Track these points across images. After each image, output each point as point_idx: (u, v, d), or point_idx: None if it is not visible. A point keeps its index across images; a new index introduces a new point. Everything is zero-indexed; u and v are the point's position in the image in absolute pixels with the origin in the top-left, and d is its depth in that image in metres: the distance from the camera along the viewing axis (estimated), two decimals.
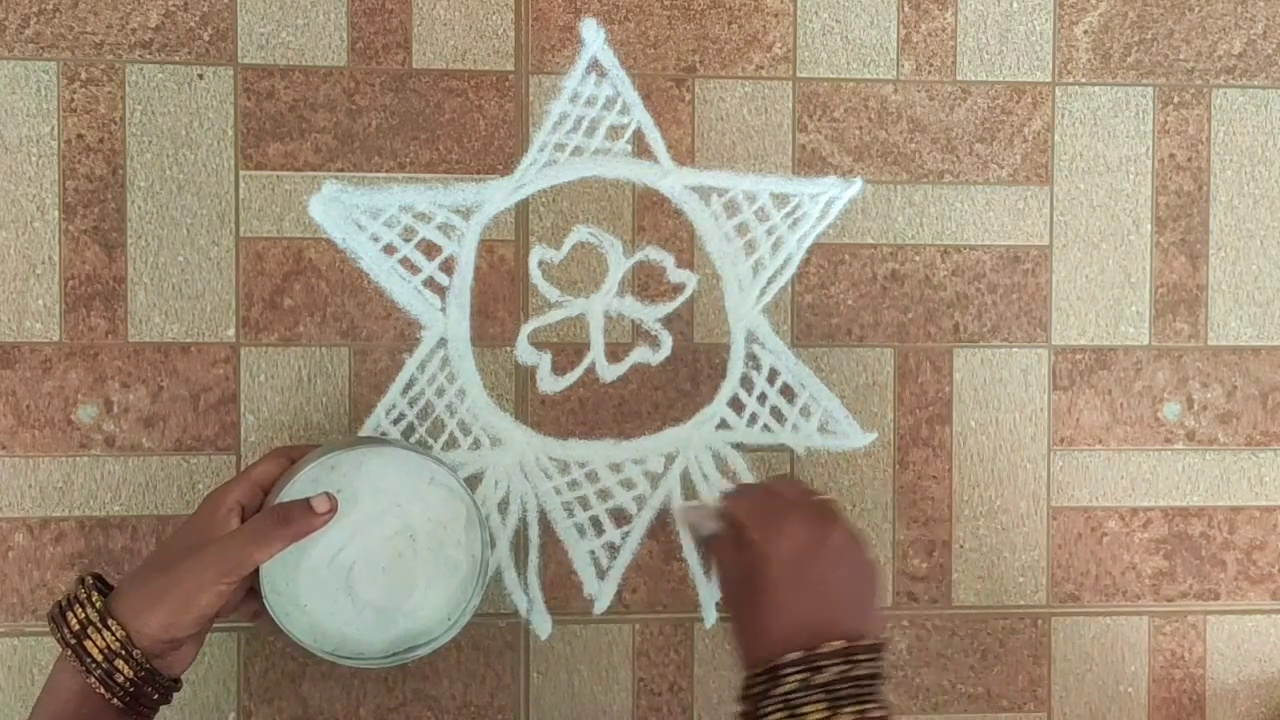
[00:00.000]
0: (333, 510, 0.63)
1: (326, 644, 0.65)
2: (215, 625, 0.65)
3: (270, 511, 0.63)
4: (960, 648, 0.79)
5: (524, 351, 0.76)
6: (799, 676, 0.55)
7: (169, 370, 0.74)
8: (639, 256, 0.77)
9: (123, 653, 0.59)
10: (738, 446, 0.78)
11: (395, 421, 0.75)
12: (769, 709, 0.55)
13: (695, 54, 0.77)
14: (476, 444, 0.76)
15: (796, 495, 0.62)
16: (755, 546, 0.59)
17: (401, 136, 0.75)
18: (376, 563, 0.65)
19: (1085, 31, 0.79)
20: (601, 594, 0.77)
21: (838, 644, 0.55)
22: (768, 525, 0.59)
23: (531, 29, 0.77)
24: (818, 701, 0.54)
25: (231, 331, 0.75)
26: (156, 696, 0.61)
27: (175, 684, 0.63)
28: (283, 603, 0.64)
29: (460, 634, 0.66)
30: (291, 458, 0.66)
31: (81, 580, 0.62)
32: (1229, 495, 0.81)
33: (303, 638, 0.64)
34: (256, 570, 0.62)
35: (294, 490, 0.63)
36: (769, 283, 0.78)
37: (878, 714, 0.55)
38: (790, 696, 0.54)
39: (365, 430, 0.75)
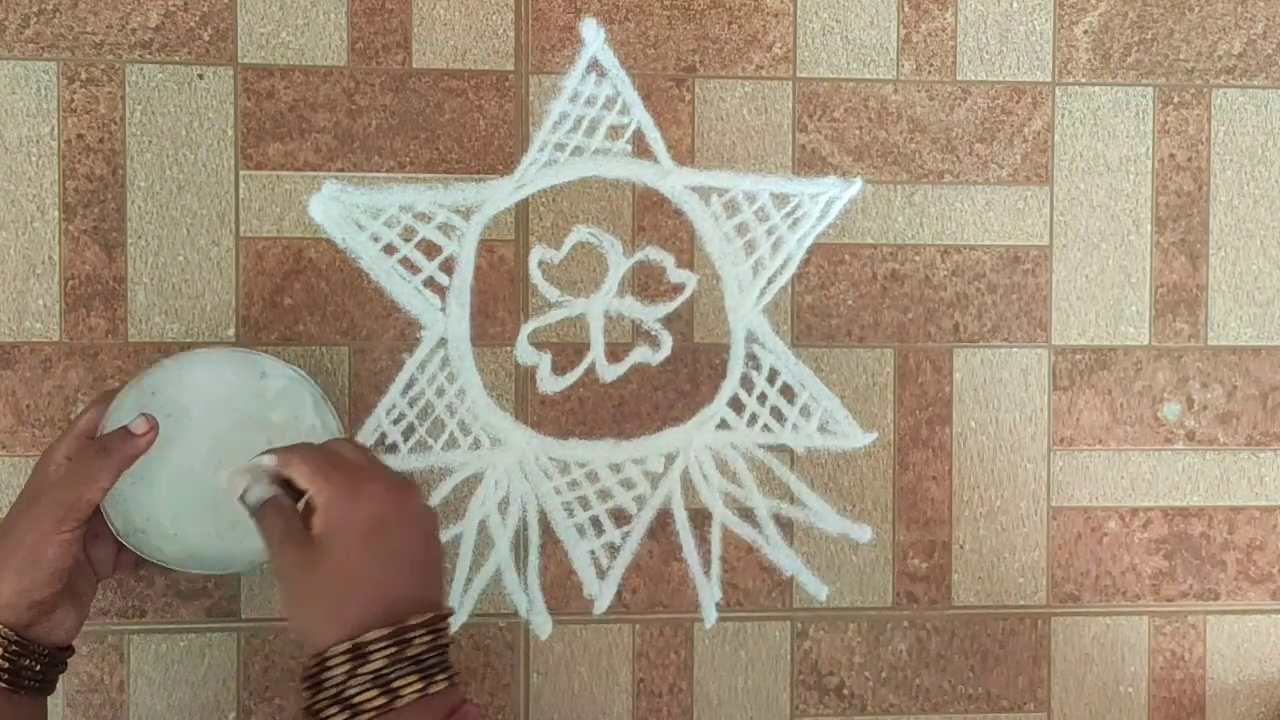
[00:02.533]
0: (153, 430, 0.62)
1: (210, 563, 0.65)
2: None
3: (88, 446, 0.62)
4: (960, 648, 0.79)
5: (524, 351, 0.76)
6: (387, 652, 0.52)
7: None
8: (639, 256, 0.77)
9: None
10: (737, 446, 0.78)
11: (395, 421, 0.75)
12: (358, 690, 0.52)
13: (695, 54, 0.77)
14: (476, 444, 0.76)
15: (365, 460, 0.58)
16: (328, 512, 0.55)
17: (401, 136, 0.75)
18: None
19: (1085, 31, 0.79)
20: (601, 594, 0.77)
21: (427, 614, 0.54)
22: (341, 489, 0.55)
23: (531, 29, 0.77)
24: (410, 675, 0.53)
25: (231, 331, 0.75)
26: (39, 668, 0.60)
27: (63, 652, 0.62)
28: (149, 539, 0.64)
29: None
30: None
31: None
32: (1229, 495, 0.81)
33: (184, 565, 0.64)
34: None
35: (114, 421, 0.63)
36: (769, 283, 0.78)
37: (457, 679, 0.55)
38: (381, 673, 0.52)
39: (365, 432, 0.75)
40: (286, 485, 0.57)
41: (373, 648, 0.52)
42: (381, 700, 0.52)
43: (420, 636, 0.54)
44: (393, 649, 0.53)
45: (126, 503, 0.64)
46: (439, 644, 0.54)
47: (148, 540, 0.64)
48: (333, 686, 0.52)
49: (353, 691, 0.52)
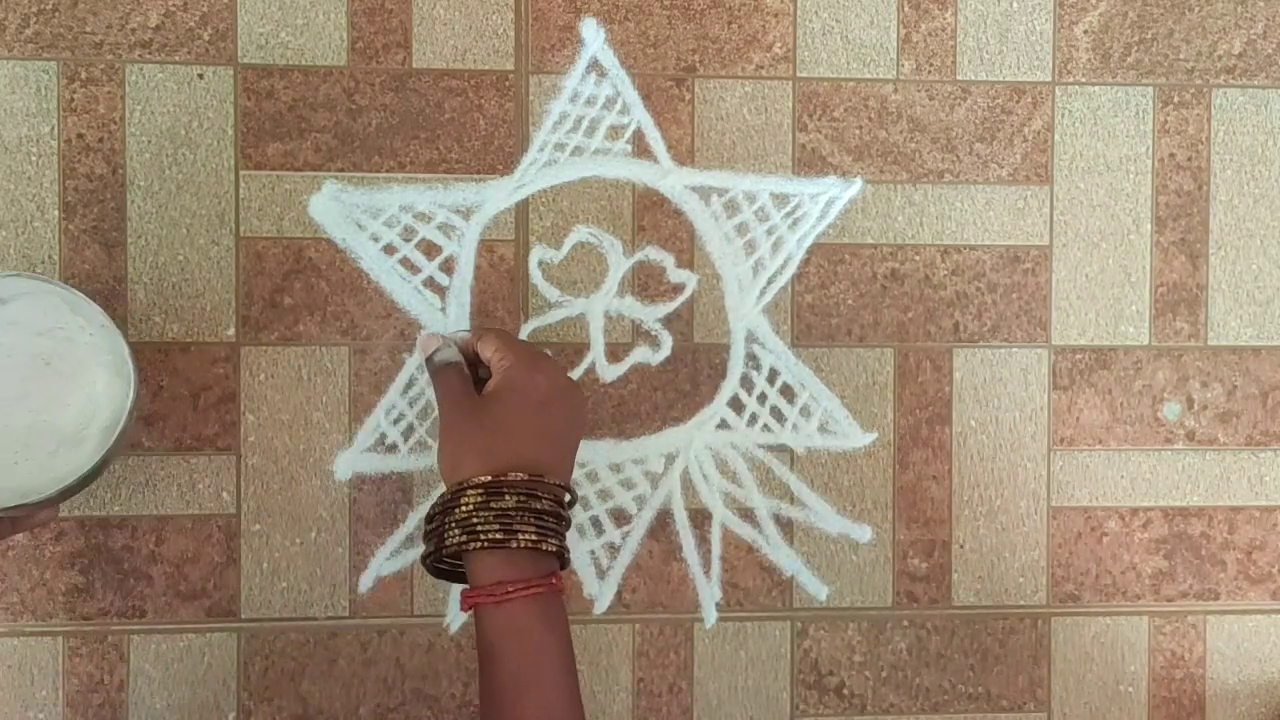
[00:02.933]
0: None
1: (44, 491, 0.62)
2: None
3: None
4: (960, 648, 0.79)
5: None
6: (518, 497, 0.57)
7: (169, 369, 0.74)
8: (639, 256, 0.77)
9: None
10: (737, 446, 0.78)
11: (395, 421, 0.75)
12: (481, 521, 0.57)
13: (695, 54, 0.77)
14: None
15: (544, 352, 0.67)
16: (508, 374, 0.62)
17: (401, 136, 0.75)
18: (16, 408, 0.63)
19: (1085, 31, 0.80)
20: (601, 594, 0.77)
21: (559, 481, 0.60)
22: (524, 360, 0.63)
23: (531, 29, 0.77)
24: (529, 524, 0.57)
25: (231, 331, 0.75)
26: None
27: None
28: None
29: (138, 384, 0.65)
30: None
31: None
32: (1229, 495, 0.81)
33: (19, 503, 0.62)
34: None
35: None
36: (769, 283, 0.78)
37: (568, 556, 0.59)
38: (507, 512, 0.57)
39: (365, 432, 0.75)
40: (471, 365, 0.66)
41: (507, 489, 0.58)
42: (500, 535, 0.57)
43: (548, 497, 0.59)
44: (523, 496, 0.58)
45: None
46: (561, 513, 0.59)
47: None
48: (463, 512, 0.57)
49: (478, 520, 0.57)
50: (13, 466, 0.64)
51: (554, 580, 0.58)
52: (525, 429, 0.61)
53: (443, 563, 0.60)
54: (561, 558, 0.59)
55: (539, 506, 0.58)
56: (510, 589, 0.56)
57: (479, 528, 0.57)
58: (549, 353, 0.74)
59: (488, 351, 0.64)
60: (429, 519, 0.60)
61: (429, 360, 0.66)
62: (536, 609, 0.57)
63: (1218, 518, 0.81)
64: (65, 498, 0.64)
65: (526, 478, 0.58)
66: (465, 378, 0.65)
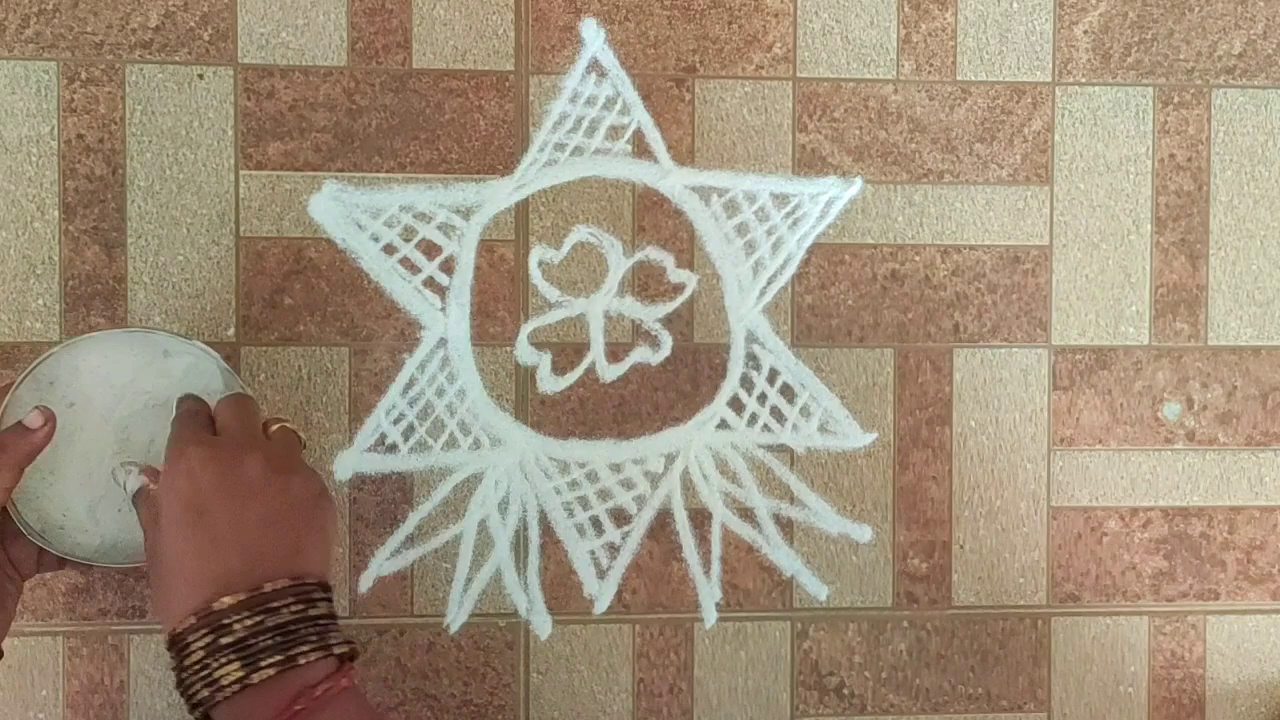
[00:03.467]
0: (49, 423, 0.60)
1: (133, 554, 0.63)
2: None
3: None
4: (960, 648, 0.79)
5: (524, 351, 0.76)
6: (204, 642, 0.49)
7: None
8: (639, 256, 0.77)
9: None
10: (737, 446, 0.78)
11: (395, 421, 0.75)
12: (190, 680, 0.50)
13: (695, 54, 0.77)
14: (476, 444, 0.76)
15: (209, 425, 0.56)
16: (155, 492, 0.53)
17: (401, 136, 0.75)
18: (145, 454, 0.63)
19: (1085, 31, 0.80)
20: (601, 594, 0.77)
21: (238, 595, 0.49)
22: (168, 462, 0.53)
23: (531, 29, 0.77)
24: (230, 663, 0.49)
25: (231, 331, 0.75)
26: None
27: None
28: (67, 534, 0.63)
29: None
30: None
31: None
32: (1229, 495, 0.81)
33: (108, 558, 0.63)
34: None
35: (10, 417, 0.61)
36: (769, 283, 0.78)
37: (310, 658, 0.50)
38: (205, 663, 0.49)
39: (365, 433, 0.75)
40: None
41: (188, 639, 0.50)
42: (205, 692, 0.49)
43: (236, 619, 0.49)
44: (207, 638, 0.49)
45: (39, 499, 0.62)
46: (266, 626, 0.50)
47: (66, 535, 0.63)
48: (179, 682, 0.50)
49: (186, 681, 0.50)
50: (116, 514, 0.64)
51: (299, 709, 0.49)
52: (179, 560, 0.51)
53: None
54: (313, 660, 0.50)
55: (226, 641, 0.49)
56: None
57: (190, 689, 0.50)
58: (247, 406, 0.61)
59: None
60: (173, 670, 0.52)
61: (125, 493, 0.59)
62: None
63: (1218, 518, 0.81)
64: (137, 568, 0.64)
65: (196, 620, 0.50)
66: (150, 505, 0.56)
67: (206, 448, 0.53)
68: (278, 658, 0.49)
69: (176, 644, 0.50)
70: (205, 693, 0.49)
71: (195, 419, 0.57)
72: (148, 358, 0.65)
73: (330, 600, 0.53)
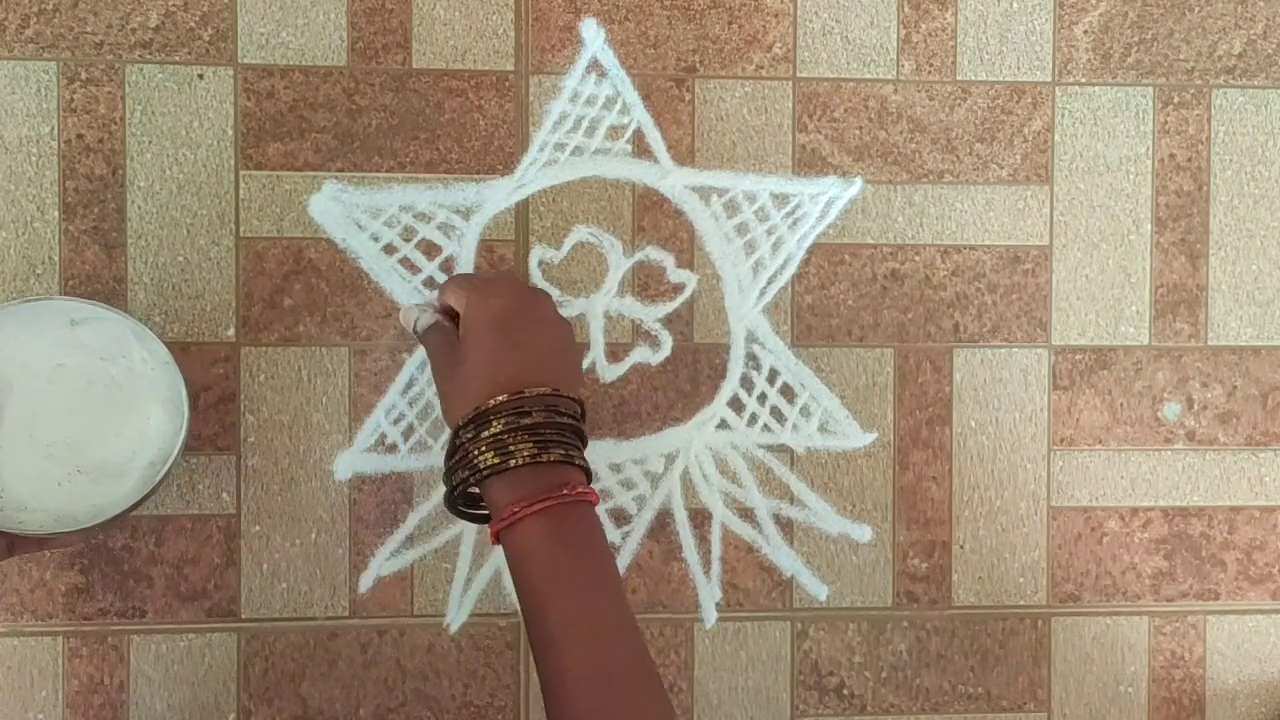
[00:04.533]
0: None
1: (80, 520, 0.63)
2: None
3: None
4: (960, 648, 0.79)
5: None
6: (504, 420, 0.56)
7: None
8: (639, 256, 0.77)
9: None
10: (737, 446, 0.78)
11: (395, 421, 0.75)
12: (478, 453, 0.56)
13: (695, 54, 0.77)
14: None
15: (500, 272, 0.69)
16: (466, 311, 0.61)
17: (401, 136, 0.75)
18: (69, 426, 0.64)
19: (1085, 31, 0.80)
20: None
21: (544, 389, 0.57)
22: (478, 291, 0.61)
23: (531, 29, 0.77)
24: (524, 441, 0.56)
25: (231, 331, 0.75)
26: None
27: None
28: (7, 515, 0.63)
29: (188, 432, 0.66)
30: None
31: None
32: (1229, 495, 0.81)
33: (56, 529, 0.63)
34: None
35: None
36: (769, 283, 0.78)
37: (581, 462, 0.58)
38: (499, 437, 0.56)
39: (365, 432, 0.75)
40: (450, 315, 0.64)
41: (492, 416, 0.56)
42: (495, 460, 0.56)
43: (536, 409, 0.57)
44: (509, 417, 0.56)
45: None
46: (557, 421, 0.57)
47: (7, 516, 0.63)
48: (460, 451, 0.57)
49: (474, 452, 0.56)
50: (55, 488, 0.64)
51: (565, 492, 0.56)
52: (494, 357, 0.59)
53: (461, 509, 0.60)
54: (578, 467, 0.58)
55: (528, 422, 0.57)
56: (516, 509, 0.55)
57: (475, 459, 0.56)
58: (519, 275, 0.74)
59: (450, 300, 0.64)
60: (445, 463, 0.60)
61: (415, 332, 0.66)
62: (545, 525, 0.55)
63: (1218, 518, 0.81)
64: (99, 530, 0.64)
65: (507, 398, 0.57)
66: (446, 333, 0.64)
67: (513, 281, 0.64)
68: (562, 450, 0.57)
69: (479, 419, 0.57)
70: (495, 460, 0.56)
71: (496, 271, 0.69)
72: (56, 330, 0.65)
73: (573, 411, 0.59)
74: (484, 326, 0.59)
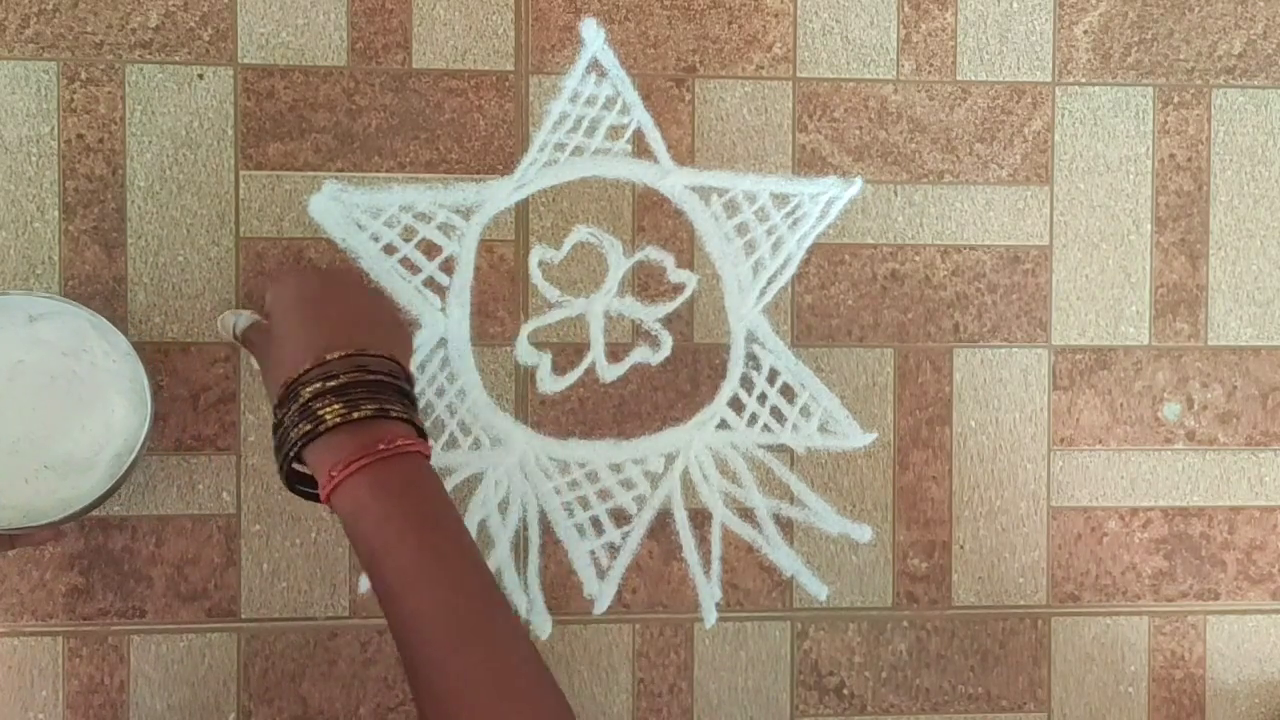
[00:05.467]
0: None
1: (49, 513, 0.63)
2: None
3: None
4: (960, 648, 0.79)
5: (524, 351, 0.76)
6: (311, 387, 0.56)
7: (169, 369, 0.74)
8: (639, 256, 0.77)
9: None
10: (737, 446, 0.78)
11: None
12: (292, 425, 0.56)
13: (695, 54, 0.77)
14: (476, 444, 0.76)
15: (303, 262, 0.67)
16: (268, 301, 0.62)
17: (401, 136, 0.75)
18: (32, 422, 0.64)
19: (1085, 31, 0.80)
20: (601, 594, 0.77)
21: (346, 350, 0.57)
22: (275, 280, 0.63)
23: (531, 29, 0.77)
24: (332, 403, 0.55)
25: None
26: None
27: None
28: None
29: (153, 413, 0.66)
30: None
31: None
32: (1229, 495, 0.81)
33: (22, 524, 0.63)
34: None
35: None
36: (769, 283, 0.78)
37: (401, 414, 0.56)
38: (308, 405, 0.55)
39: None
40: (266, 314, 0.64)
41: (299, 387, 0.56)
42: (308, 427, 0.55)
43: (343, 370, 0.56)
44: (316, 384, 0.56)
45: None
46: (366, 380, 0.56)
47: None
48: (279, 430, 0.57)
49: (288, 424, 0.56)
50: (22, 484, 0.64)
51: (382, 448, 0.55)
52: (298, 335, 0.59)
53: (300, 489, 0.59)
54: (399, 420, 0.56)
55: (334, 384, 0.56)
56: (335, 472, 0.54)
57: (290, 433, 0.56)
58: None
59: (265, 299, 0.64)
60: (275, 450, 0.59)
61: (235, 337, 0.67)
62: (368, 482, 0.54)
63: (1218, 518, 0.81)
64: (68, 522, 0.64)
65: (310, 365, 0.56)
66: (260, 329, 0.64)
67: (311, 266, 0.64)
68: (373, 406, 0.56)
69: (289, 392, 0.57)
70: (308, 427, 0.55)
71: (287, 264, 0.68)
72: (14, 328, 0.65)
73: (413, 389, 0.59)
74: (284, 309, 0.60)
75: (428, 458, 0.57)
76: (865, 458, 0.78)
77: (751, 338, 0.78)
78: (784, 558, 0.78)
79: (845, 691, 0.79)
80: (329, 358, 0.57)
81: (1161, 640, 0.80)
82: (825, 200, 0.78)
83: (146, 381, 0.65)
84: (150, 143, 0.74)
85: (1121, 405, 0.80)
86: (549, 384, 0.77)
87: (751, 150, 0.78)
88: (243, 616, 0.75)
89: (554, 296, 0.77)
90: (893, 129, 0.78)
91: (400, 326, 0.63)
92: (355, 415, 0.55)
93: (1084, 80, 0.80)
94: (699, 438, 0.77)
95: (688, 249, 0.78)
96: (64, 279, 0.73)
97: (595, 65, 0.77)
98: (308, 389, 0.56)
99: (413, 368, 0.75)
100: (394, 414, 0.56)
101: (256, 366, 0.68)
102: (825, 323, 0.78)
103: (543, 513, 0.76)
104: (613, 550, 0.77)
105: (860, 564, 0.78)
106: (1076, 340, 0.79)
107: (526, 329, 0.76)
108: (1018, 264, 0.79)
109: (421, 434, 0.58)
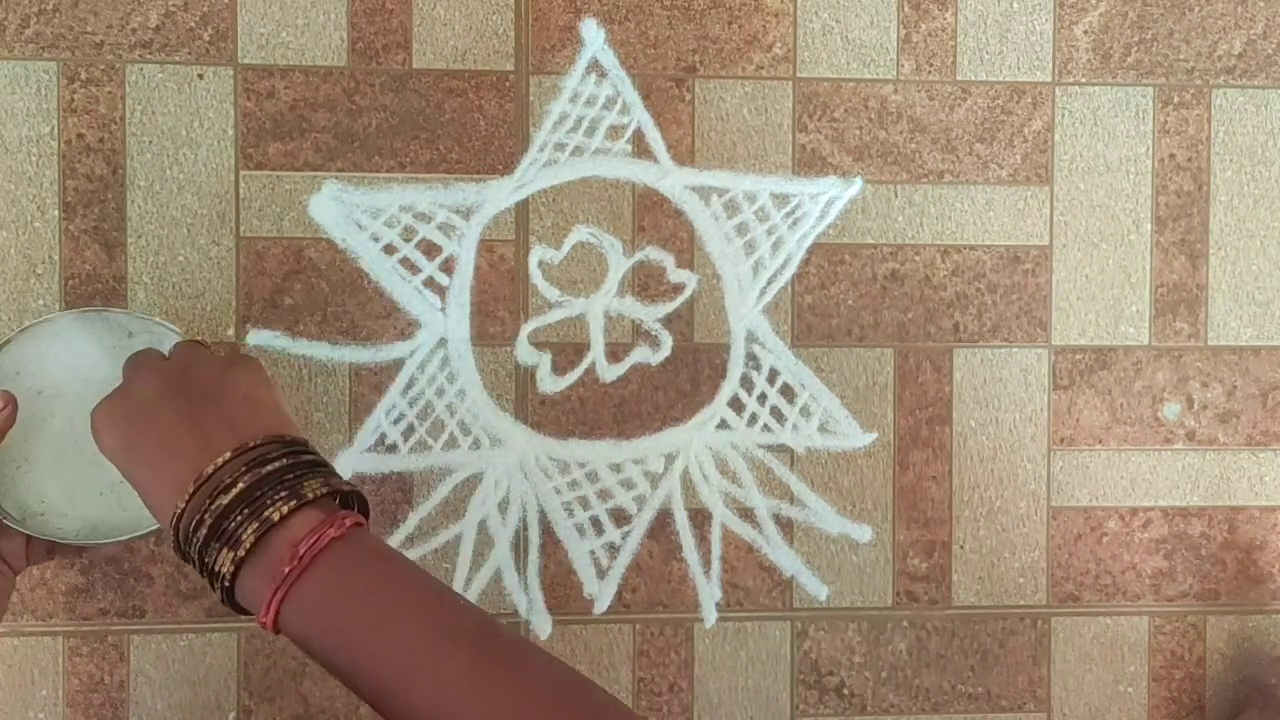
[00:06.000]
0: (10, 404, 0.61)
1: (117, 530, 0.64)
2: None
3: None
4: (960, 648, 0.79)
5: (524, 351, 0.76)
6: (183, 545, 0.47)
7: None
8: (639, 256, 0.77)
9: None
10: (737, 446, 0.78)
11: (395, 421, 0.75)
12: (213, 557, 0.47)
13: (695, 54, 0.77)
14: (476, 444, 0.76)
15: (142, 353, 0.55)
16: (103, 446, 0.52)
17: (401, 136, 0.75)
18: None
19: (1085, 31, 0.79)
20: (601, 594, 0.77)
21: (189, 490, 0.47)
22: (103, 414, 0.53)
23: (531, 29, 0.77)
24: (220, 550, 0.46)
25: (231, 331, 0.75)
26: None
27: None
28: (49, 520, 0.63)
29: None
30: None
31: None
32: (1229, 495, 0.80)
33: (93, 538, 0.63)
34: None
35: None
36: (769, 283, 0.78)
37: (315, 492, 0.47)
38: (202, 560, 0.47)
39: (365, 432, 0.75)
40: None
41: (198, 511, 0.47)
42: (230, 554, 0.46)
43: (235, 477, 0.47)
44: (216, 500, 0.47)
45: (17, 489, 0.64)
46: (264, 473, 0.47)
47: (48, 522, 0.63)
48: (201, 567, 0.48)
49: (208, 560, 0.47)
50: (96, 497, 0.65)
51: (305, 552, 0.45)
52: (152, 458, 0.50)
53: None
54: (311, 501, 0.47)
55: (229, 499, 0.47)
56: (264, 616, 0.45)
57: (215, 566, 0.46)
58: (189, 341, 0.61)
59: None
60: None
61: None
62: (300, 608, 0.45)
63: (1218, 518, 0.81)
64: (134, 540, 0.65)
65: (190, 494, 0.47)
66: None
67: (128, 374, 0.52)
68: (253, 525, 0.46)
69: (189, 520, 0.47)
70: (230, 554, 0.46)
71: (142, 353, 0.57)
72: (112, 340, 0.66)
73: (297, 451, 0.48)
74: (108, 441, 0.52)
75: (361, 524, 0.48)
76: (865, 458, 0.78)
77: (751, 338, 0.78)
78: (784, 558, 0.78)
79: (845, 691, 0.79)
80: (211, 469, 0.47)
81: (1161, 640, 0.80)
82: (825, 200, 0.78)
83: None
84: (150, 143, 0.74)
85: (1121, 405, 0.80)
86: (549, 384, 0.77)
87: (751, 150, 0.78)
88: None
89: (554, 296, 0.77)
90: (893, 129, 0.78)
91: (251, 392, 0.51)
92: (276, 518, 0.46)
93: (1084, 80, 0.80)
94: (699, 438, 0.77)
95: (688, 249, 0.78)
96: (64, 279, 0.74)
97: (595, 65, 0.77)
98: (206, 512, 0.46)
99: (413, 368, 0.75)
100: (276, 516, 0.46)
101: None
102: (825, 323, 0.78)
103: (543, 512, 0.76)
104: (613, 550, 0.77)
105: (860, 564, 0.78)
106: (1076, 340, 0.79)
107: (526, 329, 0.76)
108: (1018, 264, 0.79)
109: (341, 497, 0.49)
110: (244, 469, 0.47)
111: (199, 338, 0.74)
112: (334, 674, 0.46)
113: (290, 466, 0.47)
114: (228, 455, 0.47)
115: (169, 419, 0.50)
